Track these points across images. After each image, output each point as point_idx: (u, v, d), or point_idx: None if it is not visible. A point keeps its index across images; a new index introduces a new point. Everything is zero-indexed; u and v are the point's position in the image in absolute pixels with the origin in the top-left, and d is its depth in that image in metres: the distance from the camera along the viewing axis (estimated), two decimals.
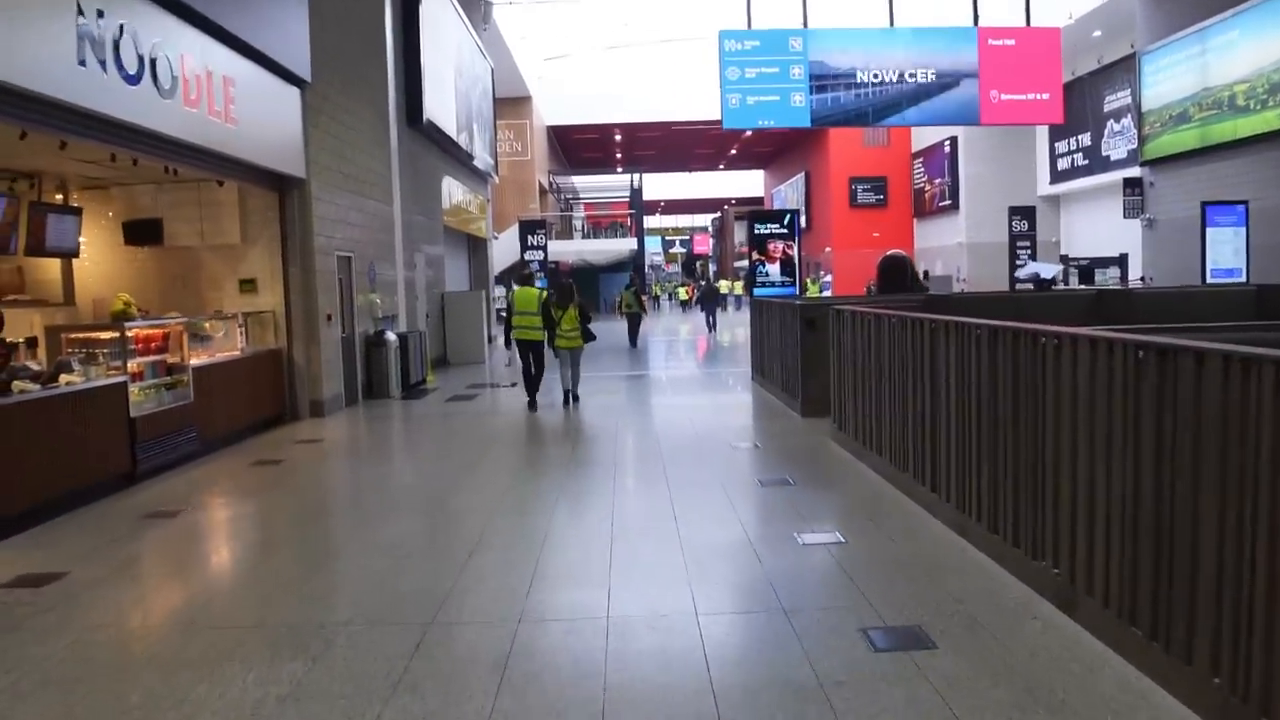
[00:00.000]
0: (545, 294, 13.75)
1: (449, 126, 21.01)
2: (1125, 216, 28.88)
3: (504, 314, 36.13)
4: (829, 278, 43.67)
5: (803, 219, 50.35)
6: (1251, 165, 23.85)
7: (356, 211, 14.77)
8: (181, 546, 7.02)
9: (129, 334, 9.48)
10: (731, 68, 20.23)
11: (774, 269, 15.80)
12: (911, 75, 20.87)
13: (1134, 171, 30.51)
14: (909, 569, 5.66)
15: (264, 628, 5.03)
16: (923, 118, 21.39)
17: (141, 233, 12.65)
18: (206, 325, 11.74)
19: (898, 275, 20.61)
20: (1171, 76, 26.73)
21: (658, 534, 6.61)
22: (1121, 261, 30.36)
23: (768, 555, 6.03)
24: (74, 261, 12.27)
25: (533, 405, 13.36)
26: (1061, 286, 23.25)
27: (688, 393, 15.35)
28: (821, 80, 20.56)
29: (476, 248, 27.27)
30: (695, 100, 41.18)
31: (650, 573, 5.78)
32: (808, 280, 44.61)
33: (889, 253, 22.03)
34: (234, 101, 10.75)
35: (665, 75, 40.66)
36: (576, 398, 13.68)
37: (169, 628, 5.14)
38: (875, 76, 20.75)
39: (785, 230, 15.76)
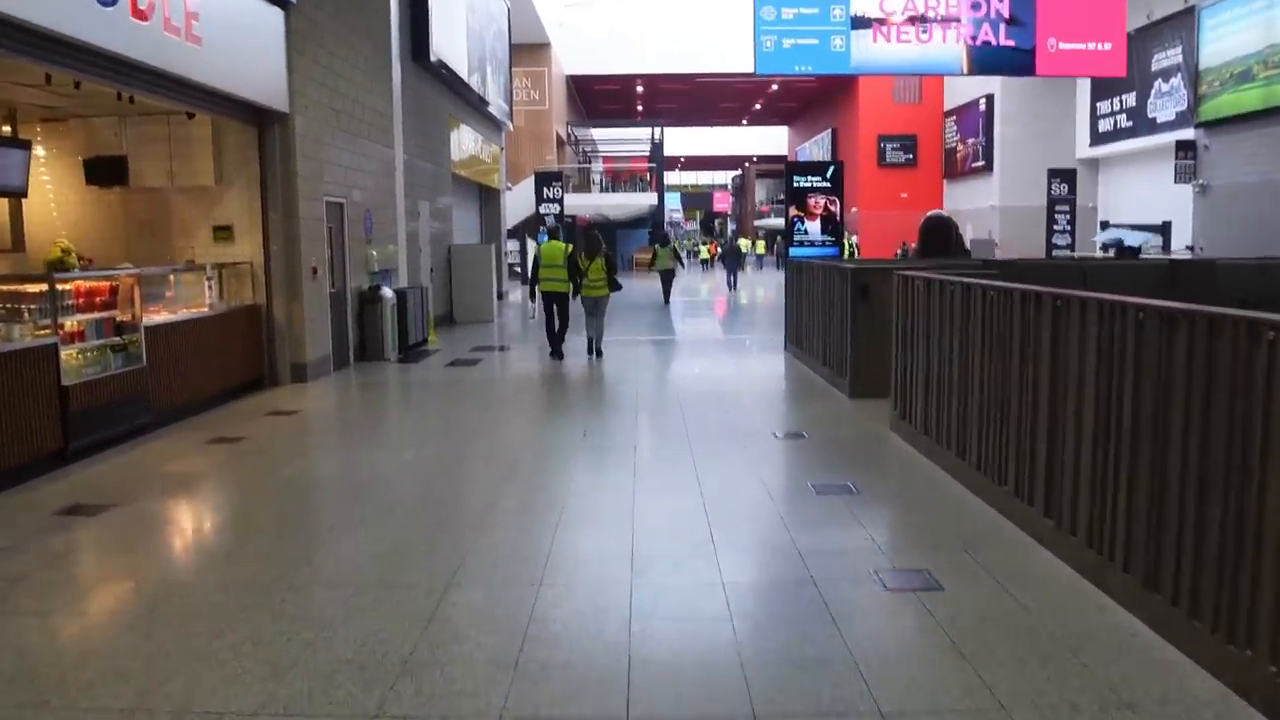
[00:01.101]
0: (570, 248, 13.88)
1: (459, 66, 19.28)
2: (1176, 181, 27.01)
3: (518, 268, 34.85)
4: (855, 239, 41.83)
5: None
6: None
7: (350, 153, 13.14)
8: (74, 568, 5.50)
9: (64, 287, 7.93)
10: (767, 7, 18.39)
11: (814, 227, 14.12)
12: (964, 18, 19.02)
13: (1185, 134, 28.62)
14: (1039, 640, 4.07)
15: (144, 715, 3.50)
16: (973, 67, 19.56)
17: (104, 172, 11.07)
18: (171, 278, 10.19)
19: (941, 238, 18.85)
20: (1234, 32, 24.73)
21: (690, 572, 5.03)
22: (1164, 230, 28.55)
23: (842, 610, 4.44)
24: (24, 203, 10.72)
25: (556, 354, 13.63)
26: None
27: (717, 363, 13.74)
28: (864, 23, 18.74)
29: (489, 199, 25.60)
30: (721, 51, 39.17)
31: (683, 641, 4.23)
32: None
33: (931, 213, 20.24)
34: (197, 17, 9.08)
35: (690, 24, 38.62)
36: (600, 351, 13.71)
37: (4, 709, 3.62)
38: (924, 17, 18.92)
39: (828, 184, 14.06)
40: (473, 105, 22.05)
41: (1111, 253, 15.86)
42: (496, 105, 23.98)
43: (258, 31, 10.56)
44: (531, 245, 33.30)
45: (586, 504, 6.31)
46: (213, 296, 10.50)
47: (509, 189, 28.39)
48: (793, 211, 14.13)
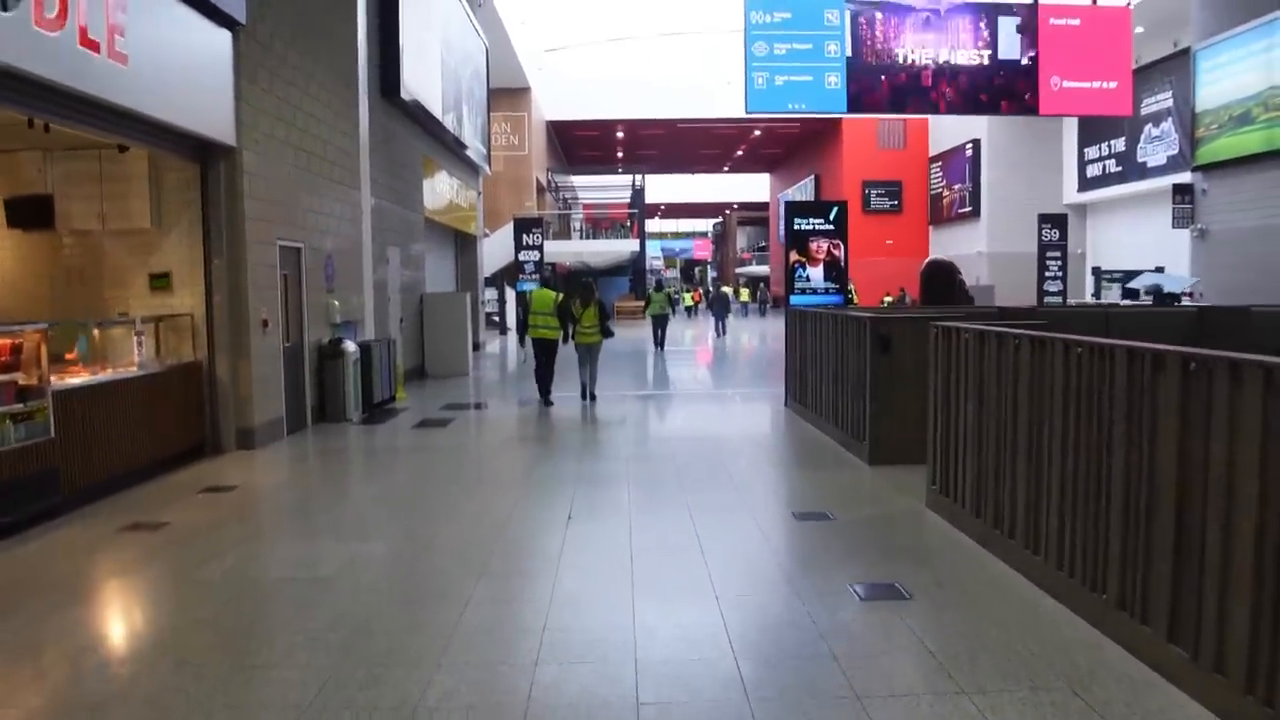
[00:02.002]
0: (560, 296, 14.06)
1: (433, 104, 18.12)
2: (1174, 226, 26.13)
3: (496, 318, 33.62)
4: (852, 285, 40.83)
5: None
6: None
7: (310, 193, 11.89)
8: None
9: None
10: (759, 42, 17.40)
11: (816, 273, 12.89)
12: (962, 57, 18.07)
13: (1177, 178, 27.82)
14: None
15: None
16: (973, 106, 18.59)
17: (27, 213, 9.79)
18: (97, 333, 8.85)
19: (944, 284, 17.74)
20: (1232, 74, 23.94)
21: None
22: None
23: None
24: None
25: (546, 401, 13.68)
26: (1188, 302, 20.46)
27: (715, 421, 12.49)
28: (859, 59, 17.75)
29: (465, 246, 24.36)
30: (702, 96, 38.38)
31: None
32: None
33: (932, 258, 19.15)
34: (122, 32, 7.83)
35: (672, 70, 37.79)
36: (594, 396, 13.99)
37: None
38: (921, 58, 17.96)
39: (831, 226, 12.87)
40: (448, 147, 20.88)
41: (1150, 299, 14.70)
42: (473, 148, 22.82)
43: (200, 54, 9.32)
44: (511, 293, 32.11)
45: (575, 625, 4.94)
46: (144, 354, 9.12)
47: (486, 235, 27.19)
48: (793, 257, 12.92)
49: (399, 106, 16.34)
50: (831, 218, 12.84)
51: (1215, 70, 24.49)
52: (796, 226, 12.85)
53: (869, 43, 17.74)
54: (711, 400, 15.23)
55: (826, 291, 12.89)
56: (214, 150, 9.76)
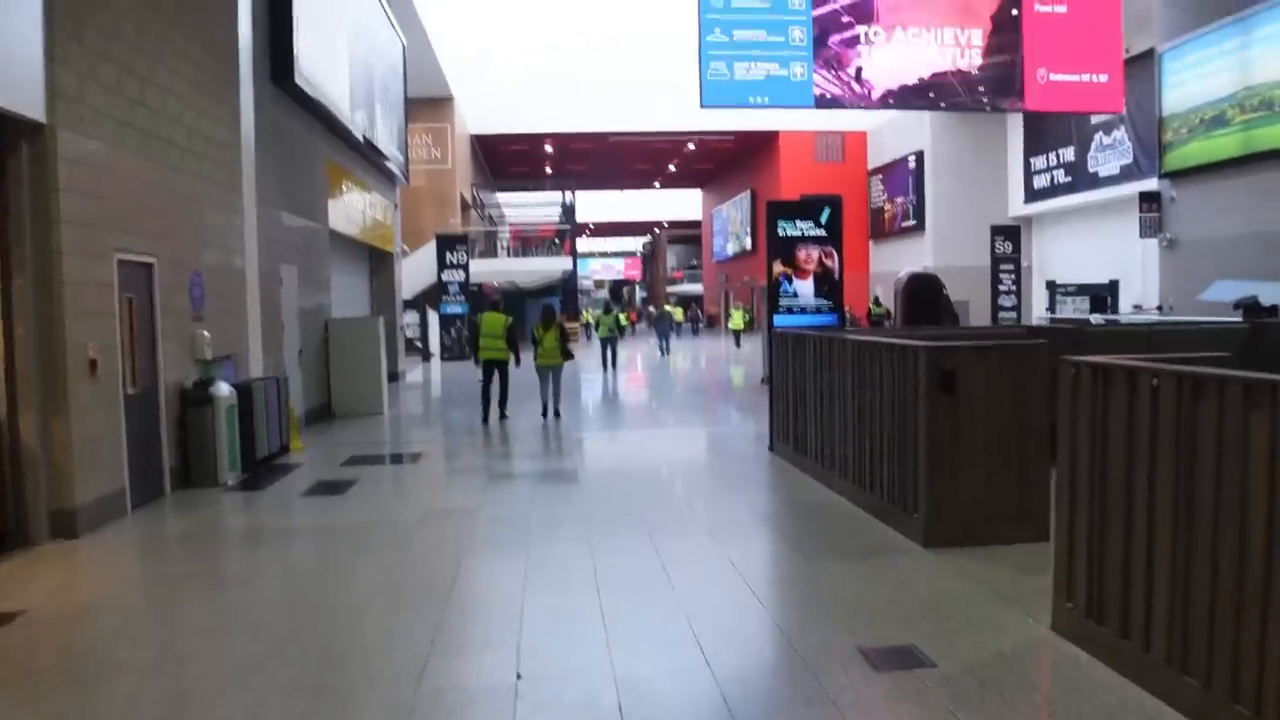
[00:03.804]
0: (510, 319, 14.17)
1: (338, 98, 15.33)
2: (1142, 236, 24.40)
3: (419, 343, 30.58)
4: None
5: (749, 240, 45.43)
6: None
7: (167, 193, 9.07)
8: None
9: None
10: (715, 29, 14.98)
11: (805, 287, 10.40)
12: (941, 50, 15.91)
13: (1133, 187, 26.23)
14: None
15: None
16: (954, 101, 16.41)
17: None
18: None
19: (929, 301, 15.46)
20: (1202, 75, 22.19)
21: None
22: (1111, 289, 25.92)
23: None
24: None
25: (486, 420, 13.81)
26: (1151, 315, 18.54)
27: (693, 475, 9.99)
28: (829, 46, 15.46)
29: (381, 265, 21.46)
30: (635, 108, 35.94)
31: None
32: (734, 309, 39.62)
33: (915, 272, 16.78)
34: None
35: (603, 81, 35.14)
36: (559, 413, 14.08)
37: None
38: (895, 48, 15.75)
39: (823, 230, 10.40)
40: (359, 151, 18.07)
41: (1240, 313, 12.52)
42: (389, 154, 20.01)
43: None
44: (434, 316, 29.27)
45: None
46: None
47: (405, 253, 24.34)
48: (777, 269, 10.41)
49: (297, 100, 13.56)
50: (823, 221, 10.38)
51: (1183, 72, 22.76)
52: (781, 232, 10.36)
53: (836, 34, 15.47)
54: (680, 440, 12.67)
55: (819, 310, 10.41)
56: (13, 127, 6.95)
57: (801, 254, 10.25)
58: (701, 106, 15.45)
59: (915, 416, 6.49)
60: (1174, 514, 3.87)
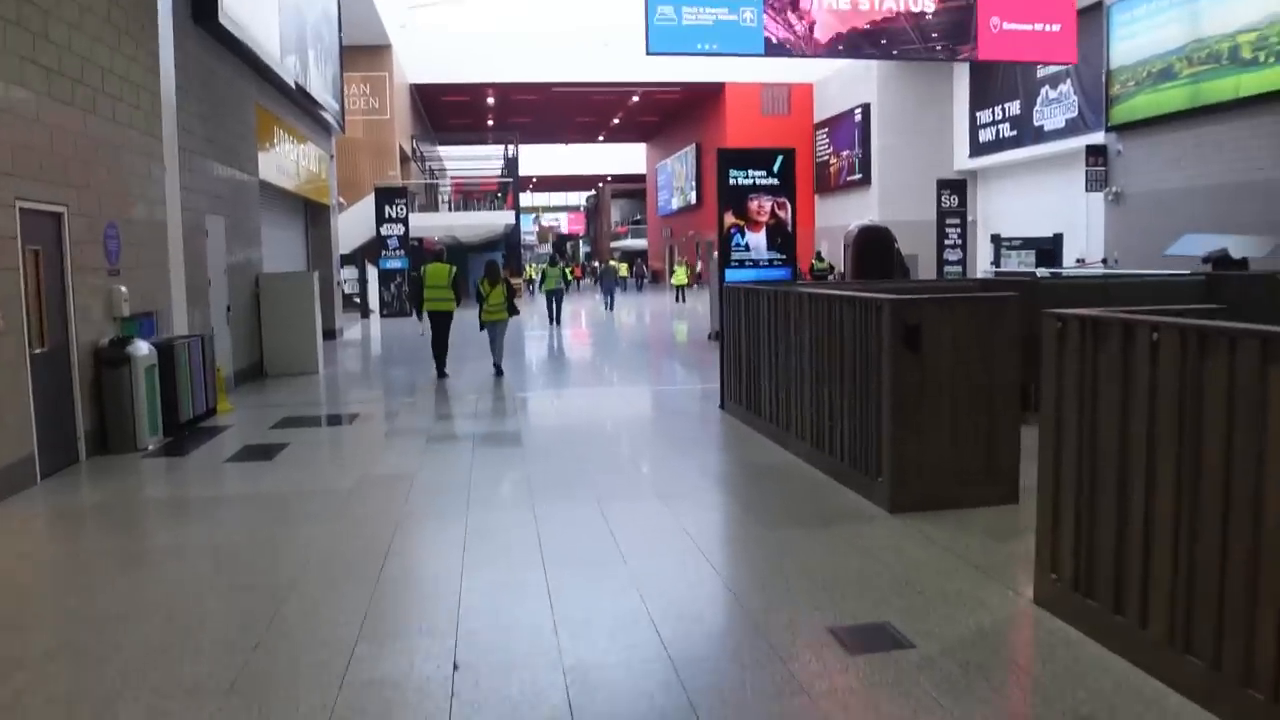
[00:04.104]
0: (454, 269, 14.28)
1: (266, 41, 14.49)
2: (1088, 189, 24.31)
3: (357, 299, 29.77)
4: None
5: (694, 195, 44.87)
6: (1257, 130, 19.28)
7: (78, 137, 8.36)
8: None
9: None
10: None
11: (758, 240, 9.96)
12: None
13: (1080, 141, 26.20)
14: None
15: None
16: (906, 49, 16.00)
17: None
18: None
19: (880, 254, 15.11)
20: (1151, 27, 22.04)
21: None
22: (1056, 243, 25.90)
23: None
24: None
25: (442, 373, 13.73)
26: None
27: (641, 441, 9.54)
28: None
29: (317, 218, 20.65)
30: (579, 59, 35.07)
31: None
32: (677, 265, 39.25)
33: (864, 223, 16.38)
34: None
35: (546, 31, 34.16)
36: (502, 371, 13.87)
37: None
38: None
39: (775, 180, 9.95)
40: (292, 99, 17.23)
41: (1209, 266, 12.32)
42: (324, 101, 19.14)
43: None
44: (373, 271, 28.48)
45: None
46: None
47: (342, 206, 23.49)
48: (729, 220, 9.94)
49: (219, 38, 12.74)
50: (776, 170, 9.93)
51: (1132, 24, 22.58)
52: (733, 181, 9.89)
53: None
54: (627, 399, 12.29)
55: (771, 264, 9.99)
56: None
57: (754, 205, 9.80)
58: (648, 53, 14.91)
59: (878, 374, 6.11)
60: (1177, 477, 3.53)
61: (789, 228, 10.02)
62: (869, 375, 6.27)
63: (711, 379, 11.55)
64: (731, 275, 9.95)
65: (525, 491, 6.93)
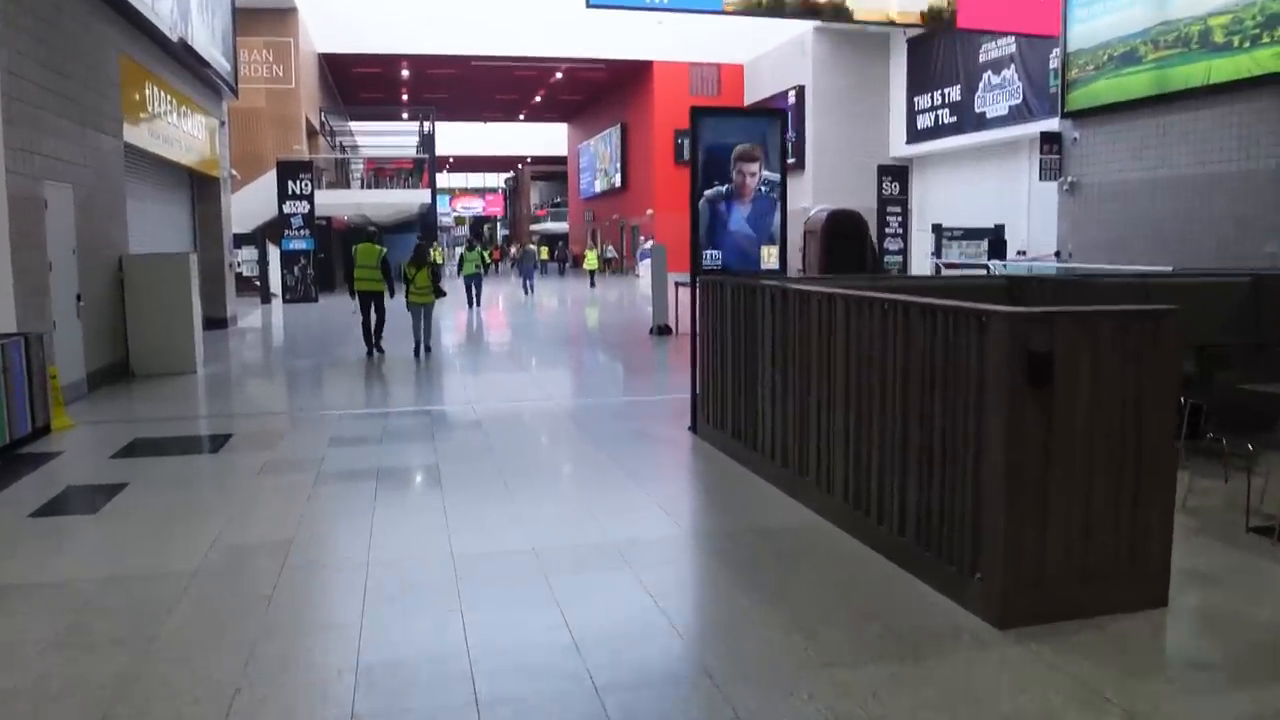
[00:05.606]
0: (384, 250, 14.08)
1: None
2: (1041, 179, 22.79)
3: (258, 281, 26.79)
4: (649, 244, 36.16)
5: (618, 177, 42.67)
6: (1227, 118, 17.87)
7: None
8: None
9: None
10: None
11: (743, 213, 7.86)
12: None
13: (1024, 129, 24.89)
14: None
15: None
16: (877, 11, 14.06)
17: None
18: None
19: (854, 243, 13.16)
20: (1112, 8, 20.47)
21: None
22: (997, 233, 24.51)
23: None
24: None
25: (371, 354, 13.67)
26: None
27: (599, 479, 7.28)
28: None
29: (205, 191, 17.92)
30: (499, 31, 32.53)
31: None
32: (588, 249, 37.64)
33: (829, 209, 14.39)
34: None
35: (463, 2, 31.52)
36: (429, 349, 13.86)
37: None
38: None
39: (763, 141, 7.83)
40: (171, 54, 14.55)
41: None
42: (211, 59, 16.44)
43: None
44: (274, 251, 25.74)
45: None
46: None
47: (233, 178, 20.71)
48: (709, 193, 7.83)
49: None
50: (767, 129, 7.83)
51: (1093, 4, 21.00)
52: (710, 144, 7.74)
53: None
54: (573, 415, 9.94)
55: (747, 250, 7.88)
56: None
57: (748, 170, 7.64)
58: (588, 6, 12.68)
59: (977, 421, 4.07)
60: None
61: (777, 208, 7.91)
62: (958, 421, 4.23)
63: (669, 388, 9.48)
64: (714, 259, 7.82)
65: (447, 580, 4.71)
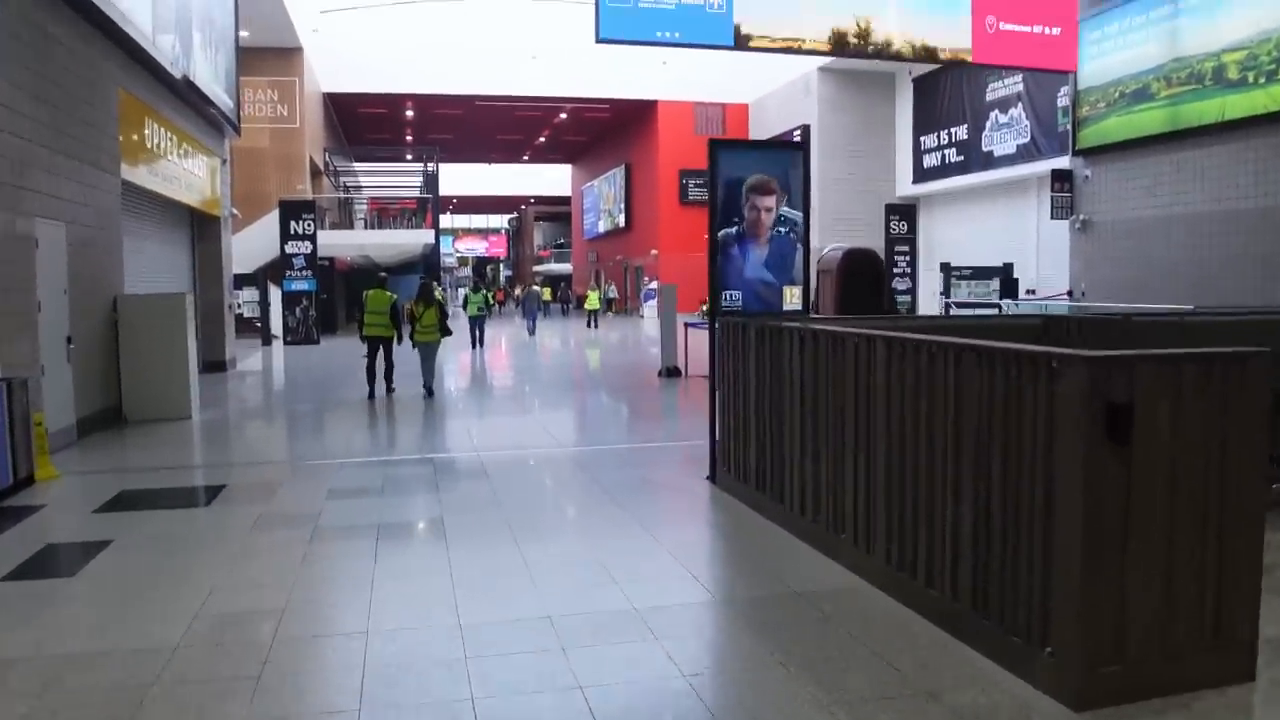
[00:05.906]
0: (394, 296, 14.15)
1: (132, 10, 11.65)
2: (1053, 217, 22.49)
3: (259, 323, 26.43)
4: (654, 284, 35.87)
5: (622, 218, 42.50)
6: (1242, 154, 17.58)
7: None
8: None
9: None
10: None
11: (759, 255, 7.48)
12: None
13: (1025, 170, 24.75)
14: None
15: None
16: (892, 49, 13.78)
17: None
18: None
19: (870, 283, 12.79)
20: (1125, 45, 20.25)
21: None
22: (1007, 272, 24.17)
23: None
24: None
25: (373, 394, 13.74)
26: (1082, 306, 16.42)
27: (617, 536, 6.83)
28: None
29: (205, 230, 17.61)
30: (503, 72, 32.45)
31: None
32: (590, 290, 37.42)
33: (845, 247, 14.04)
34: None
35: (469, 41, 31.38)
36: (432, 391, 13.86)
37: None
38: None
39: (781, 175, 7.46)
40: (173, 90, 14.29)
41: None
42: (214, 95, 16.19)
43: None
44: (276, 292, 25.44)
45: None
46: None
47: (234, 215, 20.41)
48: (733, 228, 7.45)
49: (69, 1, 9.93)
50: (784, 164, 7.46)
51: (1104, 42, 20.80)
52: (725, 179, 7.37)
53: None
54: (581, 464, 9.55)
55: (764, 291, 7.49)
56: None
57: (763, 204, 7.27)
58: (597, 41, 12.42)
59: (1047, 479, 3.65)
60: None
61: (799, 246, 7.54)
62: (1022, 476, 3.80)
63: (682, 434, 9.06)
64: (732, 300, 7.43)
65: (455, 655, 4.26)
